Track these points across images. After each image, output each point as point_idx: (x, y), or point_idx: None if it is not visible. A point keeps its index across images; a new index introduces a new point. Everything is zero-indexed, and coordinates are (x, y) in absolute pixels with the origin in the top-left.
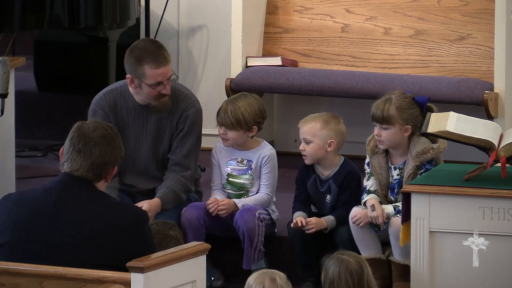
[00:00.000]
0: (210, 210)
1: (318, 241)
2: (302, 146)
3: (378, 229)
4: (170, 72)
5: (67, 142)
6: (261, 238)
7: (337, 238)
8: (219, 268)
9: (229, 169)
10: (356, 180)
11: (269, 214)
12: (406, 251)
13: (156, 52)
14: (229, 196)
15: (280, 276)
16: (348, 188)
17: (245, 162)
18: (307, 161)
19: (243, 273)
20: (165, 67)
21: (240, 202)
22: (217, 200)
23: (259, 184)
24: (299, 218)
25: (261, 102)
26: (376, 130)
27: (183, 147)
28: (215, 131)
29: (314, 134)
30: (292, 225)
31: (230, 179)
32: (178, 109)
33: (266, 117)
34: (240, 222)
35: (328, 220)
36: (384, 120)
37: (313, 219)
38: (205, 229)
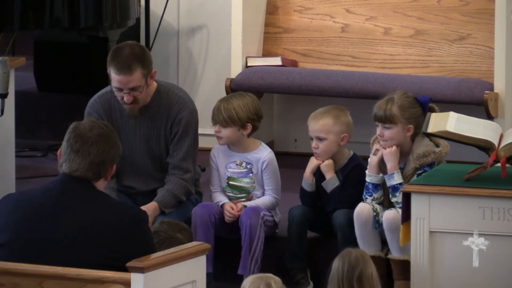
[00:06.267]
0: (229, 220)
1: (317, 230)
2: (315, 144)
3: (379, 226)
4: (133, 84)
5: (64, 143)
6: (260, 242)
7: (335, 222)
8: (215, 269)
9: (229, 172)
10: (363, 174)
11: (272, 216)
12: (403, 246)
13: (124, 59)
14: (230, 199)
15: (275, 281)
16: (354, 179)
17: (244, 164)
18: (320, 158)
19: (238, 277)
20: (125, 77)
21: (249, 204)
22: (234, 207)
23: (264, 188)
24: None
25: (257, 101)
26: (379, 130)
27: (180, 150)
28: None
29: (328, 130)
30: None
31: (231, 182)
32: (172, 111)
33: (262, 116)
34: (244, 218)
35: (333, 177)
36: (387, 119)
37: (328, 161)
38: (214, 229)
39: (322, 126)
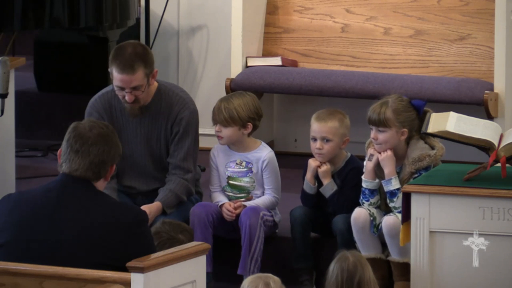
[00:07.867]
0: (228, 218)
1: (317, 231)
2: (319, 145)
3: (377, 230)
4: (135, 83)
5: (64, 143)
6: (260, 242)
7: (335, 227)
8: (215, 269)
9: (229, 172)
10: (360, 177)
11: (272, 216)
12: (403, 248)
13: (127, 59)
14: (229, 199)
15: (274, 281)
16: (351, 182)
17: (244, 164)
18: (322, 159)
19: (238, 277)
20: (127, 76)
21: (249, 204)
22: (231, 205)
23: (264, 187)
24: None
25: (257, 100)
26: (373, 133)
27: (181, 150)
28: None
29: (335, 133)
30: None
31: (231, 181)
32: (172, 111)
33: (262, 115)
34: (243, 218)
35: (331, 182)
36: (381, 123)
37: (326, 167)
38: (212, 229)
39: (330, 128)
